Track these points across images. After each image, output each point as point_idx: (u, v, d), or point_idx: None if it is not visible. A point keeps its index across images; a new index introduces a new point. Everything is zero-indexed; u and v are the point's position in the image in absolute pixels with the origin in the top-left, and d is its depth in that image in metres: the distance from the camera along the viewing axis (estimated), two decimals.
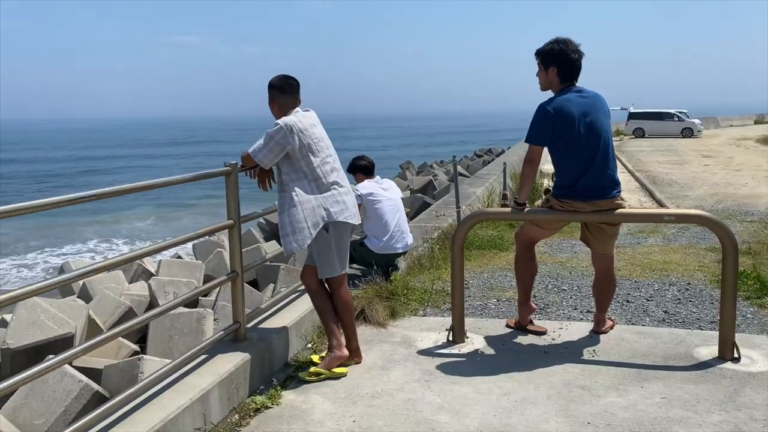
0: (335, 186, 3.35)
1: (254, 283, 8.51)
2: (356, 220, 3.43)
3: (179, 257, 10.84)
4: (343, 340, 3.43)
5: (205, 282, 8.48)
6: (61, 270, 8.68)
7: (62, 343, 5.72)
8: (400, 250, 5.10)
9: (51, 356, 5.04)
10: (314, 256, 3.42)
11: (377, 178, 5.16)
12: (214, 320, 6.25)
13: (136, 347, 6.35)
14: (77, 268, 2.54)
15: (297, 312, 3.79)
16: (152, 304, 7.59)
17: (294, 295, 4.10)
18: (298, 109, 3.38)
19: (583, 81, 3.72)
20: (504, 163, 9.71)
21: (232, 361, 3.02)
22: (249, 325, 3.44)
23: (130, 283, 8.84)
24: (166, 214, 27.26)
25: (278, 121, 3.27)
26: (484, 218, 5.80)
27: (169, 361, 4.60)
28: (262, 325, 3.56)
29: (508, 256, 6.39)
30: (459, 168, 20.11)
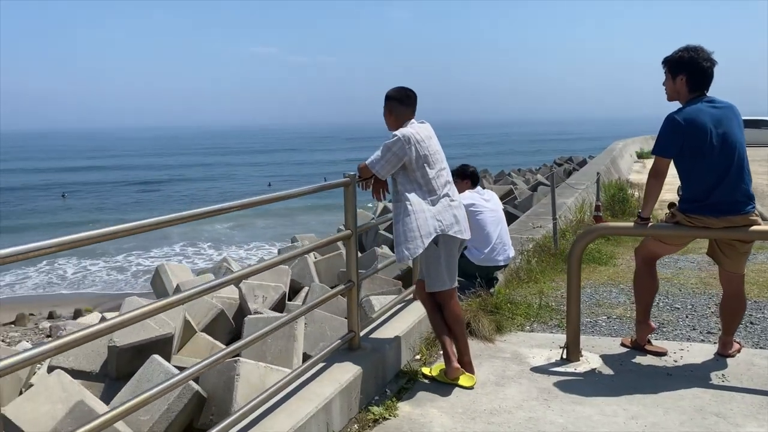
0: (448, 199, 3.30)
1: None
2: (466, 235, 3.36)
3: (262, 260, 11.05)
4: (455, 353, 3.36)
5: (291, 287, 8.62)
6: (156, 273, 9.02)
7: (163, 343, 5.89)
8: (502, 263, 4.96)
9: (155, 355, 5.21)
10: (423, 269, 3.39)
11: (478, 188, 5.06)
12: (305, 325, 6.31)
13: (228, 348, 6.45)
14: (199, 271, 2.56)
15: (406, 323, 3.73)
16: (242, 307, 7.74)
17: (399, 305, 4.06)
18: (413, 120, 3.35)
19: None
20: (597, 173, 9.35)
21: (349, 370, 2.98)
22: (361, 334, 3.41)
23: None
24: (242, 219, 28.11)
25: (395, 132, 3.25)
26: (606, 232, 5.47)
27: (288, 370, 4.65)
28: (373, 335, 3.53)
29: (609, 271, 6.11)
30: (540, 177, 19.72)
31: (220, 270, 10.34)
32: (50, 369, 5.54)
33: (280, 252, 11.00)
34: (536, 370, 3.57)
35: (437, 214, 3.23)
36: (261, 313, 6.93)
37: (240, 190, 41.26)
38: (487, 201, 4.95)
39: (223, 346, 6.41)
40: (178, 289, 8.11)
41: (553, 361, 3.68)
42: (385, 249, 11.08)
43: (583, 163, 23.62)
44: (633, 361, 3.69)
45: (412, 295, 4.19)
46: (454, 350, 3.34)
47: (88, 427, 1.76)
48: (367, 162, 3.27)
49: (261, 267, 2.72)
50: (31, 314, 14.24)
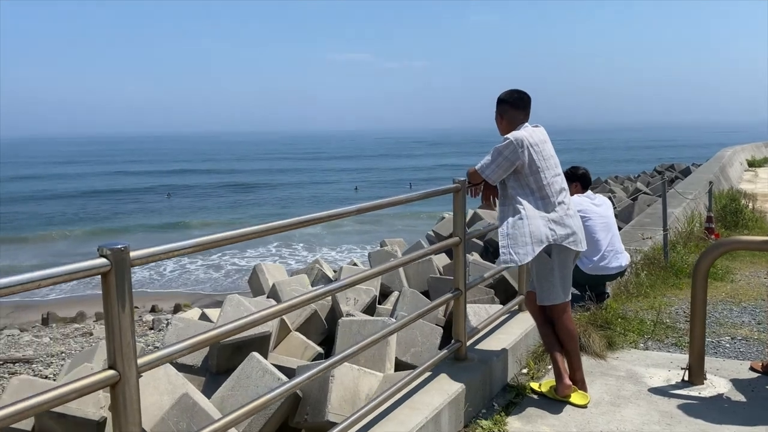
0: (563, 207, 3.10)
1: (426, 295, 8.48)
2: (582, 246, 3.15)
3: (354, 264, 11.16)
4: (567, 370, 3.17)
5: (381, 291, 8.61)
6: (254, 272, 9.28)
7: (261, 341, 6.02)
8: (614, 271, 4.66)
9: (254, 353, 5.33)
10: (534, 281, 3.21)
11: (589, 192, 4.79)
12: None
13: (320, 349, 6.54)
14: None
15: (513, 334, 3.58)
16: (334, 308, 7.81)
17: (505, 316, 3.90)
18: (527, 124, 3.19)
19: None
20: (710, 182, 8.72)
21: (457, 381, 2.87)
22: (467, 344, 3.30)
23: (312, 286, 9.24)
24: (331, 221, 28.70)
25: (508, 135, 3.09)
26: (737, 247, 4.76)
27: (380, 374, 4.62)
28: (479, 346, 3.40)
29: (726, 287, 5.64)
30: (639, 185, 18.74)
31: (312, 271, 10.51)
32: None
33: (370, 256, 11.05)
34: (655, 391, 3.30)
35: (551, 222, 3.04)
36: (353, 316, 6.96)
37: (329, 195, 42.12)
38: (598, 206, 4.67)
39: (318, 347, 6.50)
40: (274, 289, 8.30)
41: (673, 382, 3.40)
42: (475, 256, 10.87)
43: (686, 172, 22.25)
44: (767, 387, 3.35)
45: (517, 306, 4.03)
46: (566, 366, 3.15)
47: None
48: (476, 167, 3.14)
49: (374, 272, 2.68)
50: (135, 307, 15.13)
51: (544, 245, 3.01)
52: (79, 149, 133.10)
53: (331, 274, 10.73)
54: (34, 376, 8.57)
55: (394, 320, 6.11)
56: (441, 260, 10.67)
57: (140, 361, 1.51)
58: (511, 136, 3.06)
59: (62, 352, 10.02)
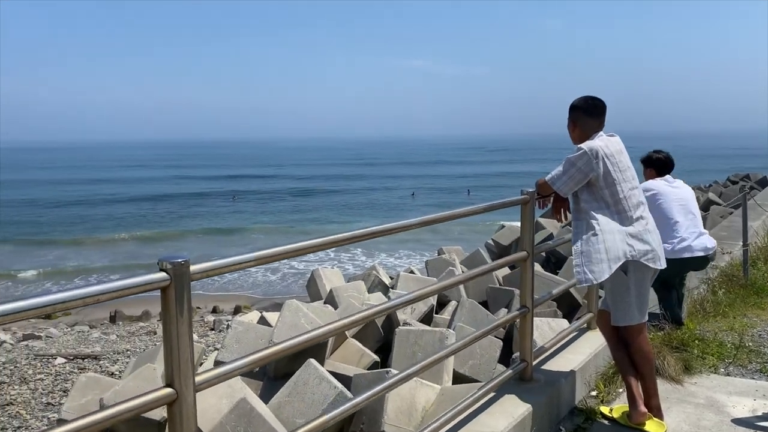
0: (641, 222, 2.90)
1: (484, 305, 8.29)
2: (660, 263, 2.93)
3: (411, 272, 11.06)
4: (641, 395, 2.96)
5: (438, 300, 8.47)
6: (312, 277, 9.32)
7: (317, 348, 6.00)
8: (699, 253, 4.20)
9: (311, 360, 5.31)
10: (608, 299, 3.01)
11: (668, 176, 4.43)
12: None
13: (376, 357, 6.48)
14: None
15: (581, 354, 3.39)
16: (390, 316, 7.73)
17: (573, 334, 3.71)
18: (601, 133, 3.01)
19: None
20: None
21: (522, 403, 2.73)
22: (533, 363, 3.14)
23: (369, 293, 9.20)
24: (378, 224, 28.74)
25: (581, 145, 2.91)
26: None
27: (438, 386, 4.51)
28: (545, 366, 3.23)
29: None
30: (711, 195, 17.82)
31: (369, 278, 10.48)
32: (216, 364, 5.84)
33: (428, 264, 10.92)
34: (740, 422, 3.05)
35: (628, 237, 2.84)
36: (410, 325, 6.86)
37: (386, 201, 42.22)
38: (675, 188, 4.33)
39: (374, 355, 6.43)
40: (331, 294, 8.31)
41: (759, 413, 3.13)
42: (537, 267, 10.58)
43: (763, 182, 21.05)
44: None
45: (586, 324, 3.82)
46: (641, 392, 2.95)
47: None
48: (547, 178, 2.98)
49: (436, 288, 2.58)
50: (198, 307, 15.50)
51: (622, 262, 2.83)
52: (152, 153, 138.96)
53: (387, 281, 10.66)
54: (101, 372, 8.88)
55: (452, 331, 5.98)
56: (500, 270, 10.44)
57: (198, 378, 1.46)
58: (585, 146, 2.88)
59: (127, 350, 10.36)
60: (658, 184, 4.35)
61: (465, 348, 6.13)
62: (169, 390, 1.41)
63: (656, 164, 4.48)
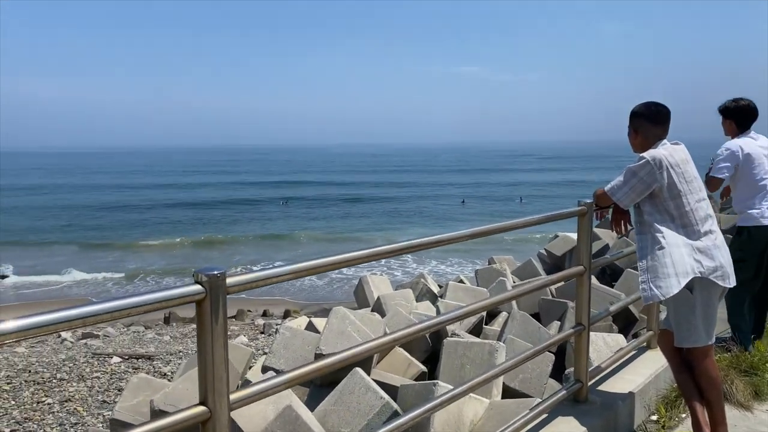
0: (709, 236, 2.72)
1: (536, 317, 8.06)
2: (730, 281, 2.74)
3: (461, 281, 10.89)
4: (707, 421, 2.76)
5: (489, 311, 8.28)
6: (359, 284, 9.30)
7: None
8: None
9: (358, 368, 5.25)
10: (671, 319, 2.83)
11: (752, 133, 3.99)
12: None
13: (423, 368, 6.38)
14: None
15: (641, 375, 3.21)
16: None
17: (633, 353, 3.52)
18: (665, 141, 2.84)
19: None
20: None
21: (577, 425, 2.59)
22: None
23: (417, 301, 9.09)
24: (425, 232, 28.57)
25: (644, 154, 2.76)
26: None
27: (487, 400, 4.38)
28: (601, 387, 3.07)
29: None
30: None
31: (417, 286, 10.37)
32: (264, 369, 5.86)
33: (477, 274, 10.72)
34: None
35: (696, 251, 2.67)
36: (459, 336, 6.73)
37: (437, 209, 41.95)
38: (762, 147, 3.91)
39: (421, 366, 6.34)
40: (378, 302, 8.25)
41: None
42: (592, 278, 10.26)
43: None
44: None
45: (645, 343, 3.62)
46: (706, 419, 2.75)
47: None
48: (606, 188, 2.83)
49: (488, 304, 2.47)
50: (249, 311, 15.75)
51: (690, 278, 2.65)
52: (205, 159, 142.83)
53: (436, 290, 10.54)
54: (154, 372, 9.09)
55: (502, 344, 5.82)
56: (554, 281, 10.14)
57: (233, 397, 1.41)
58: (648, 155, 2.72)
59: (180, 351, 10.57)
60: (743, 142, 3.87)
61: (511, 355, 6.00)
62: (202, 408, 1.37)
63: (736, 114, 3.96)
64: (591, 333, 5.94)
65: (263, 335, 12.53)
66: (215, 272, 1.32)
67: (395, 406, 4.87)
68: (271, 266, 1.50)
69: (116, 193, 53.84)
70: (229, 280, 1.36)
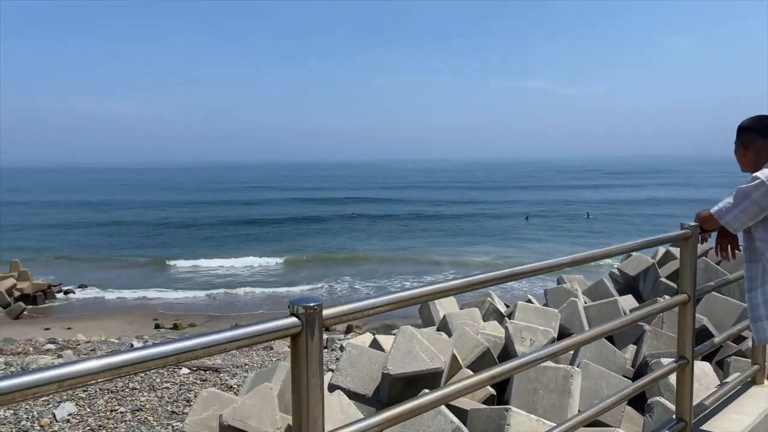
0: None
1: (610, 340, 7.68)
2: None
3: (529, 301, 10.56)
4: None
5: (560, 332, 7.98)
6: (425, 302, 9.15)
7: (432, 376, 5.81)
8: None
9: (426, 390, 5.11)
10: None
11: None
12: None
13: (493, 391, 6.19)
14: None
15: (748, 414, 2.93)
16: (507, 347, 7.39)
17: (738, 388, 3.24)
18: None
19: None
20: None
21: None
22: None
23: (483, 321, 8.85)
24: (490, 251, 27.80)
25: (758, 174, 2.49)
26: None
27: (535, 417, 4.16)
28: (705, 426, 2.81)
29: None
30: None
31: (483, 305, 10.14)
32: (331, 387, 5.81)
33: (546, 293, 10.37)
34: None
35: None
36: None
37: (499, 226, 41.23)
38: None
39: (489, 387, 6.13)
40: (444, 321, 8.09)
41: None
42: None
43: None
44: None
45: (751, 378, 3.32)
46: None
47: None
48: (713, 210, 2.58)
49: (569, 344, 2.28)
50: None
51: None
52: (273, 174, 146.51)
53: (503, 309, 10.26)
54: (221, 385, 9.21)
55: (578, 369, 5.56)
56: (627, 302, 9.72)
57: None
58: (763, 175, 2.45)
59: (246, 364, 10.70)
60: None
61: (586, 380, 5.69)
62: None
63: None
64: (664, 360, 5.59)
65: (326, 350, 12.55)
66: (311, 304, 1.24)
67: (466, 430, 4.73)
68: (368, 297, 1.40)
69: (178, 210, 55.04)
70: (326, 312, 1.28)
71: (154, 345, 1.02)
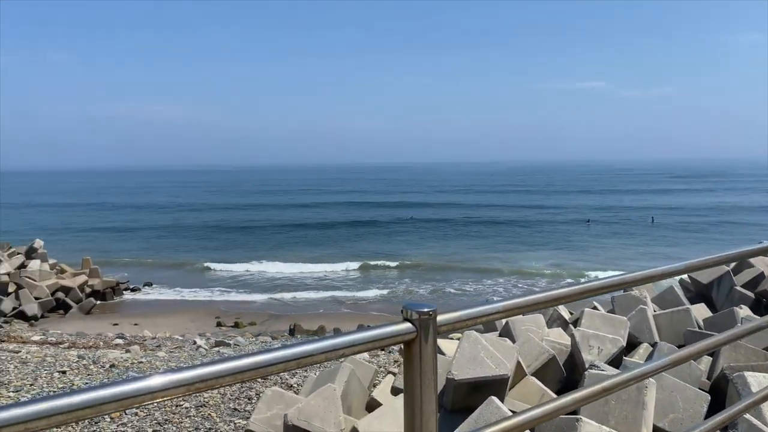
0: None
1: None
2: None
3: (595, 308, 10.23)
4: None
5: (628, 340, 7.69)
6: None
7: (498, 384, 5.69)
8: None
9: (494, 397, 5.01)
10: None
11: None
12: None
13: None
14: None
15: None
16: (573, 355, 7.18)
17: None
18: None
19: None
20: None
21: None
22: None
23: (548, 328, 8.64)
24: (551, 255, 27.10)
25: None
26: None
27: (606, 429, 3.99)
28: None
29: None
30: None
31: (547, 311, 9.89)
32: (394, 390, 5.77)
33: (613, 300, 10.02)
34: None
35: None
36: (598, 368, 6.27)
37: (559, 230, 40.27)
38: None
39: (554, 395, 5.96)
40: (507, 327, 7.94)
41: None
42: (745, 310, 9.21)
43: None
44: None
45: None
46: None
47: None
48: None
49: (704, 348, 2.14)
50: (368, 326, 15.86)
51: None
52: (326, 177, 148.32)
53: (567, 316, 9.99)
54: (281, 383, 9.31)
55: (652, 381, 5.34)
56: (700, 311, 9.30)
57: None
58: None
59: None
60: None
61: (661, 392, 5.45)
62: None
63: None
64: (752, 373, 5.28)
65: (383, 352, 12.53)
66: (426, 309, 1.18)
67: None
68: (482, 303, 1.34)
69: (235, 212, 56.10)
70: (440, 318, 1.22)
71: (276, 349, 0.99)
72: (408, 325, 1.18)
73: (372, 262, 27.83)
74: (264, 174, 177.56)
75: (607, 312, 9.79)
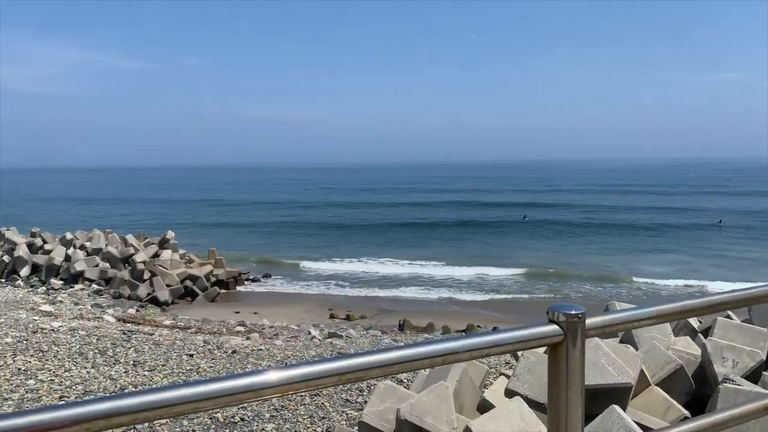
0: None
1: None
2: None
3: (729, 316, 9.42)
4: None
5: None
6: (606, 309, 8.57)
7: (620, 392, 5.41)
8: None
9: (616, 406, 4.75)
10: None
11: None
12: None
13: (686, 412, 5.60)
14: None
15: None
16: (703, 366, 6.66)
17: None
18: None
19: None
20: None
21: None
22: None
23: (674, 336, 8.09)
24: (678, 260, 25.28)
25: None
26: None
27: None
28: None
29: None
30: None
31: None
32: (508, 392, 5.65)
33: (751, 309, 9.18)
34: None
35: None
36: (734, 382, 5.77)
37: (682, 232, 37.52)
38: None
39: (684, 410, 5.56)
40: (629, 333, 7.51)
41: None
42: None
43: None
44: None
45: None
46: None
47: None
48: None
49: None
50: (478, 326, 15.65)
51: None
52: (425, 175, 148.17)
53: (695, 325, 9.30)
54: (391, 378, 9.43)
55: None
56: None
57: None
58: None
59: None
60: None
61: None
62: None
63: None
64: None
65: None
66: (573, 312, 1.13)
67: None
68: (633, 308, 1.26)
69: (347, 210, 57.07)
70: (589, 322, 1.16)
71: (421, 344, 0.98)
72: (554, 327, 1.12)
73: (483, 262, 27.46)
74: (372, 172, 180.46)
75: (742, 321, 8.99)
